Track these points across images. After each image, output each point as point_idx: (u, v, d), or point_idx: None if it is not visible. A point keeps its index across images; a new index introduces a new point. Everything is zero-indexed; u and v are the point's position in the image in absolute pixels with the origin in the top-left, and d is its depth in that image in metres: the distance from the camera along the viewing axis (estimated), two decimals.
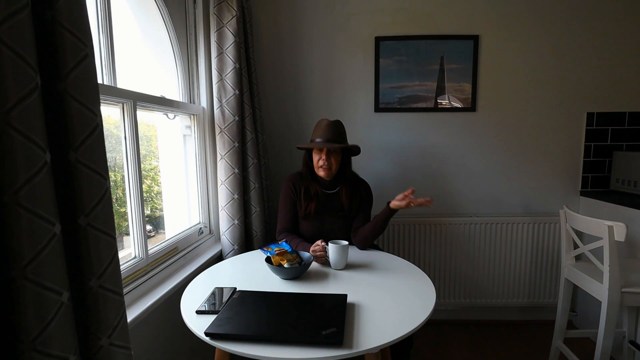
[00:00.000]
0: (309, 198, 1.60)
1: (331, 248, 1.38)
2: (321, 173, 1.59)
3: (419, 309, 1.07)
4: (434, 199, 1.56)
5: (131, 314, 1.08)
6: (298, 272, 1.29)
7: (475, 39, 2.08)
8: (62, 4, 0.63)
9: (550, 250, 2.14)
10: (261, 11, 2.10)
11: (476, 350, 2.00)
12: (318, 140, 1.56)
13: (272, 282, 1.27)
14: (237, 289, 1.18)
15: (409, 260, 2.14)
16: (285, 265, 1.30)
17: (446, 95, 2.14)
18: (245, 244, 1.75)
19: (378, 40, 2.11)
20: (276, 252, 1.36)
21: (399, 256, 2.12)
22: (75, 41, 0.64)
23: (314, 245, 1.44)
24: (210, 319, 0.99)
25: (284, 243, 1.44)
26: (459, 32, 2.09)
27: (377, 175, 2.20)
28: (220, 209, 1.69)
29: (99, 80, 1.14)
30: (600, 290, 1.48)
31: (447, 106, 2.14)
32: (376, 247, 1.82)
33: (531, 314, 2.27)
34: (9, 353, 0.58)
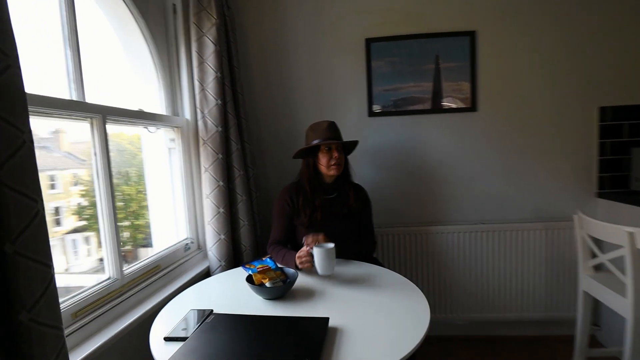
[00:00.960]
0: (313, 207, 1.54)
1: (316, 252, 1.28)
2: (333, 172, 1.54)
3: (410, 332, 0.96)
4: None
5: (101, 339, 1.01)
6: (280, 291, 1.20)
7: (471, 34, 1.98)
8: None
9: (567, 258, 1.98)
10: (246, 17, 2.06)
11: None
12: (321, 140, 1.52)
13: (254, 303, 1.18)
14: (214, 312, 1.10)
15: (411, 272, 2.06)
16: (267, 285, 1.21)
17: (444, 96, 2.03)
18: (233, 259, 1.68)
19: (369, 41, 2.03)
20: (258, 269, 1.27)
21: (401, 268, 2.05)
22: None
23: (299, 251, 1.36)
24: (178, 346, 0.91)
25: (268, 260, 1.35)
26: (453, 28, 1.99)
27: (374, 182, 2.10)
28: (206, 224, 1.63)
29: (67, 96, 1.10)
30: (623, 305, 1.33)
31: (445, 107, 2.04)
32: (376, 261, 1.72)
33: (549, 329, 2.10)
34: None
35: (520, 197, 2.06)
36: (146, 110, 1.47)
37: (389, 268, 2.01)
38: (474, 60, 1.99)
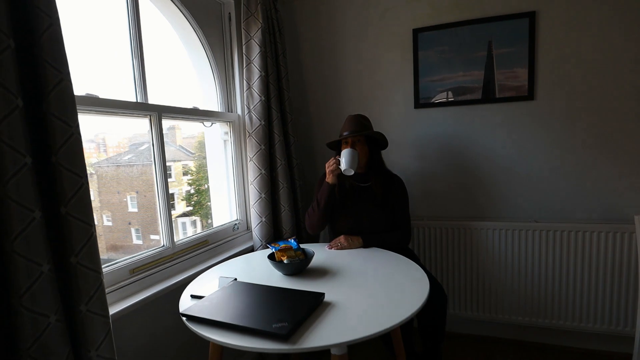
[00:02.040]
0: (345, 192, 1.67)
1: (342, 153, 1.54)
2: None
3: (402, 309, 1.01)
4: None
5: (150, 291, 1.28)
6: (296, 267, 1.33)
7: (530, 16, 1.80)
8: (45, 42, 0.82)
9: (632, 266, 1.69)
10: (298, 16, 2.21)
11: None
12: (344, 133, 1.65)
13: (273, 277, 1.33)
14: (236, 280, 1.29)
15: (452, 268, 1.99)
16: (285, 261, 1.35)
17: (496, 84, 1.89)
18: (274, 240, 1.86)
19: (416, 32, 2.00)
20: (281, 248, 1.42)
21: (442, 262, 2.00)
22: (53, 71, 0.82)
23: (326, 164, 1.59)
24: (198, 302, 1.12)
25: (292, 241, 1.49)
26: (510, 11, 1.83)
27: (420, 174, 2.08)
28: (250, 207, 1.84)
29: (133, 98, 1.39)
30: None
31: (497, 96, 1.90)
32: (411, 253, 1.74)
33: (608, 344, 1.82)
34: (4, 310, 0.78)
35: (586, 195, 1.82)
36: (201, 107, 1.73)
37: (426, 262, 2.01)
38: (532, 44, 1.81)
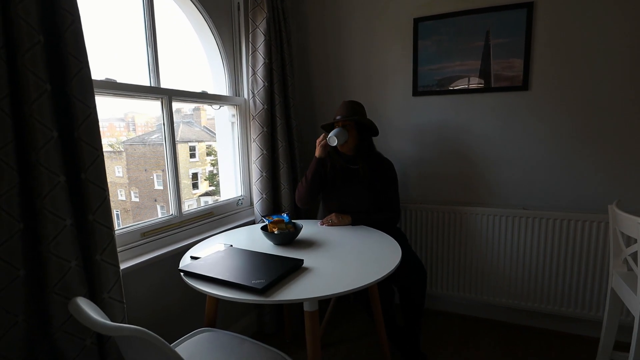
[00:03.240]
0: (335, 172, 1.83)
1: (333, 131, 1.72)
2: (343, 149, 1.80)
3: (370, 275, 1.15)
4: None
5: (159, 252, 1.48)
6: (285, 238, 1.49)
7: (528, 6, 1.83)
8: (68, 36, 0.99)
9: (607, 254, 1.75)
10: (306, 5, 2.31)
11: (501, 352, 1.82)
12: (337, 117, 1.79)
13: (265, 246, 1.50)
14: (232, 246, 1.46)
15: (441, 250, 2.11)
16: (276, 232, 1.52)
17: (492, 74, 1.94)
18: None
19: (417, 21, 2.06)
20: (274, 221, 1.59)
21: (431, 245, 2.12)
22: (75, 60, 0.99)
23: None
24: (196, 262, 1.30)
25: (284, 215, 1.65)
26: (508, 1, 1.86)
27: (416, 159, 2.18)
28: (252, 184, 2.01)
29: (147, 83, 1.57)
30: (634, 302, 1.22)
31: (492, 86, 1.95)
32: (401, 235, 1.87)
33: (579, 328, 1.91)
34: (36, 256, 0.98)
35: (572, 185, 1.87)
36: (210, 91, 1.89)
37: (416, 243, 2.13)
38: (529, 35, 1.85)
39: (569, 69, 1.81)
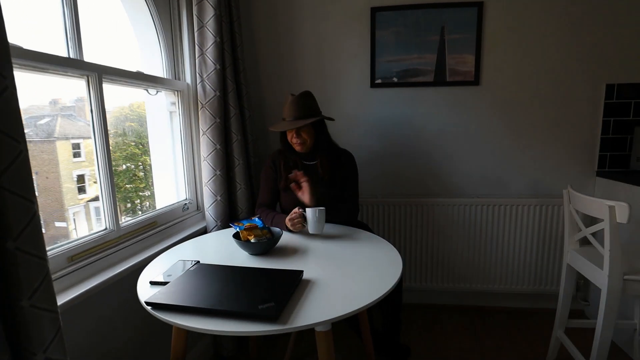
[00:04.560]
0: (289, 169, 1.61)
1: (309, 212, 1.39)
2: (298, 149, 1.59)
3: (375, 287, 1.01)
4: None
5: (93, 282, 1.10)
6: (264, 247, 1.26)
7: (479, 5, 1.91)
8: None
9: (559, 235, 1.98)
10: None
11: (473, 336, 1.91)
12: (287, 119, 1.56)
13: (239, 258, 1.25)
14: (200, 262, 1.18)
15: (405, 242, 2.10)
16: (252, 240, 1.28)
17: (447, 69, 1.99)
18: (229, 220, 1.75)
19: (374, 10, 1.99)
20: (246, 227, 1.34)
21: (396, 237, 2.09)
22: None
23: (291, 213, 1.43)
24: (160, 289, 0.99)
25: (256, 219, 1.41)
26: None
27: (374, 152, 2.12)
28: (203, 185, 1.70)
29: (64, 54, 1.16)
30: (600, 276, 1.35)
31: (447, 80, 2.00)
32: (364, 226, 1.77)
33: (535, 302, 2.14)
34: None
35: (520, 173, 2.04)
36: (146, 72, 1.52)
37: (382, 236, 2.08)
38: (480, 33, 1.94)
39: (514, 65, 1.95)
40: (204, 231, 1.73)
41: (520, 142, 2.01)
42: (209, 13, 1.60)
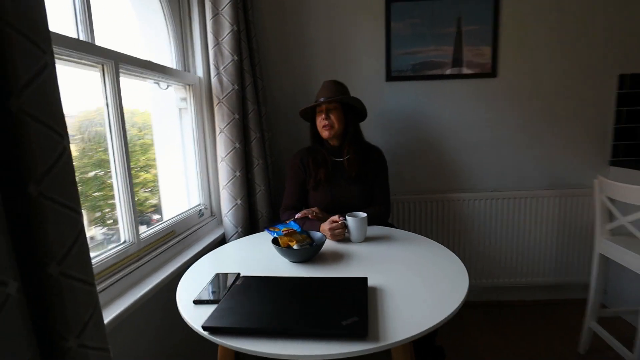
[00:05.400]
0: (317, 165, 1.51)
1: (351, 222, 1.28)
2: (325, 134, 1.49)
3: (449, 292, 0.91)
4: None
5: (120, 306, 0.94)
6: (309, 253, 1.14)
7: None
8: None
9: (578, 225, 1.97)
10: None
11: (498, 333, 1.86)
12: (320, 100, 1.48)
13: (280, 266, 1.12)
14: (241, 275, 1.04)
15: None
16: (295, 247, 1.15)
17: (464, 61, 1.94)
18: (249, 226, 1.61)
19: (389, 1, 1.91)
20: (284, 232, 1.21)
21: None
22: None
23: (329, 221, 1.31)
24: (209, 309, 0.85)
25: (292, 223, 1.29)
26: None
27: (389, 147, 2.02)
28: (221, 188, 1.55)
29: (74, 35, 0.99)
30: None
31: (465, 72, 1.95)
32: (390, 225, 1.67)
33: (557, 293, 2.12)
34: None
35: (536, 165, 2.03)
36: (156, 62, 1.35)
37: None
38: (496, 24, 1.90)
39: (530, 56, 1.92)
40: (222, 239, 1.58)
41: (536, 134, 1.99)
42: None
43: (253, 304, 0.85)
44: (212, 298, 0.91)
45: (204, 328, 0.77)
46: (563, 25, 1.88)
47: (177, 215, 1.44)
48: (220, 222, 1.70)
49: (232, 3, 1.45)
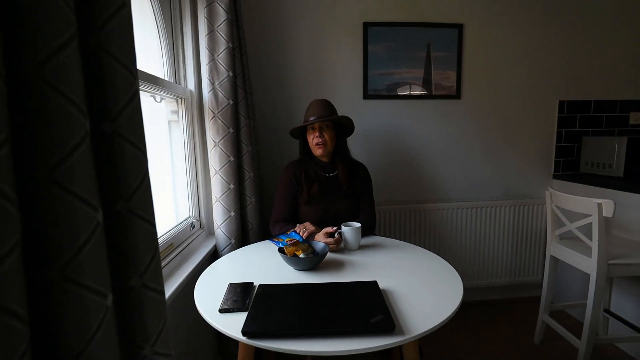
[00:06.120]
0: (310, 180, 1.58)
1: (347, 231, 1.38)
2: (318, 152, 1.58)
3: (448, 291, 1.05)
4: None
5: None
6: (315, 262, 1.22)
7: (459, 27, 2.12)
8: None
9: (531, 230, 2.27)
10: None
11: (468, 330, 2.07)
12: (311, 119, 1.57)
13: (286, 275, 1.19)
14: (254, 284, 1.09)
15: None
16: (301, 256, 1.23)
17: (433, 83, 2.16)
18: (243, 237, 1.64)
19: (366, 25, 2.08)
20: (288, 242, 1.28)
21: None
22: None
23: (323, 232, 1.39)
24: (236, 317, 0.90)
25: (293, 233, 1.36)
26: (444, 20, 2.12)
27: (366, 161, 2.17)
28: (214, 201, 1.56)
29: None
30: (588, 264, 1.58)
31: (434, 94, 2.17)
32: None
33: (513, 292, 2.40)
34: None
35: (493, 178, 2.30)
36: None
37: None
38: (460, 52, 2.15)
39: (488, 82, 2.20)
40: (214, 251, 1.59)
41: (494, 151, 2.27)
42: (221, 17, 1.50)
43: (282, 309, 0.91)
44: (236, 306, 0.95)
45: (244, 333, 0.82)
46: (515, 56, 2.19)
47: (173, 228, 1.43)
48: (209, 234, 1.71)
49: (227, 21, 1.51)
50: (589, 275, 1.58)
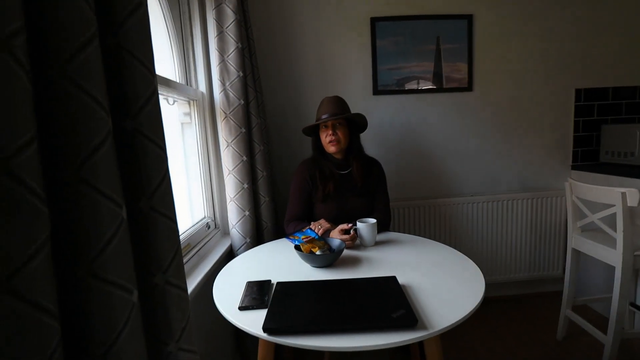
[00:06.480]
0: (325, 179, 1.57)
1: (363, 227, 1.37)
2: (332, 149, 1.57)
3: (469, 284, 1.04)
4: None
5: None
6: (332, 258, 1.22)
7: (469, 18, 2.09)
8: None
9: (549, 223, 2.22)
10: None
11: (487, 327, 2.03)
12: (323, 116, 1.56)
13: (303, 272, 1.18)
14: (272, 281, 1.09)
15: None
16: (318, 253, 1.22)
17: (443, 76, 2.14)
18: (258, 236, 1.65)
19: (374, 20, 2.06)
20: (304, 240, 1.27)
21: None
22: None
23: (338, 229, 1.39)
24: (256, 314, 0.90)
25: (309, 230, 1.35)
26: (453, 11, 2.09)
27: (378, 157, 2.15)
28: (228, 201, 1.57)
29: None
30: (613, 255, 1.54)
31: (445, 86, 2.14)
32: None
33: (532, 288, 2.35)
34: None
35: (509, 171, 2.26)
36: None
37: None
38: (470, 43, 2.12)
39: (501, 72, 2.16)
40: (229, 250, 1.60)
41: (507, 142, 2.23)
42: (229, 18, 1.51)
43: (302, 306, 0.91)
44: (256, 304, 0.95)
45: (265, 330, 0.82)
46: (527, 44, 2.14)
47: (189, 228, 1.45)
48: (224, 233, 1.72)
49: (236, 21, 1.51)
50: (612, 267, 1.54)
